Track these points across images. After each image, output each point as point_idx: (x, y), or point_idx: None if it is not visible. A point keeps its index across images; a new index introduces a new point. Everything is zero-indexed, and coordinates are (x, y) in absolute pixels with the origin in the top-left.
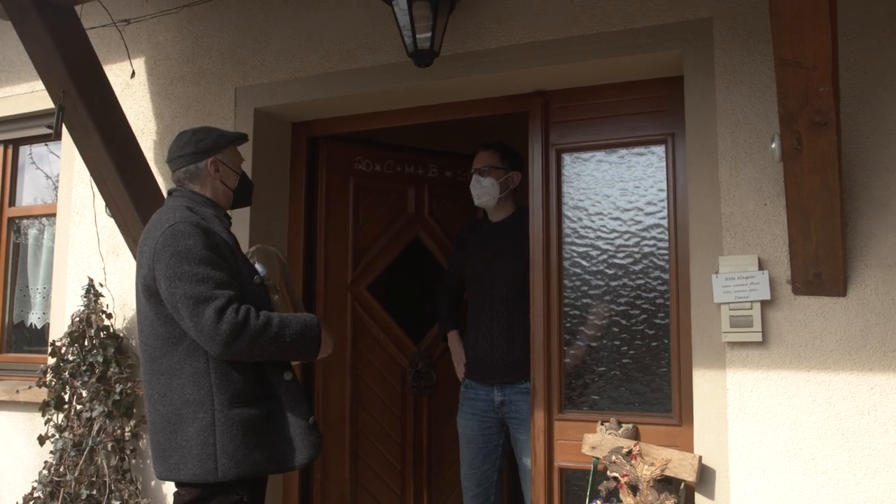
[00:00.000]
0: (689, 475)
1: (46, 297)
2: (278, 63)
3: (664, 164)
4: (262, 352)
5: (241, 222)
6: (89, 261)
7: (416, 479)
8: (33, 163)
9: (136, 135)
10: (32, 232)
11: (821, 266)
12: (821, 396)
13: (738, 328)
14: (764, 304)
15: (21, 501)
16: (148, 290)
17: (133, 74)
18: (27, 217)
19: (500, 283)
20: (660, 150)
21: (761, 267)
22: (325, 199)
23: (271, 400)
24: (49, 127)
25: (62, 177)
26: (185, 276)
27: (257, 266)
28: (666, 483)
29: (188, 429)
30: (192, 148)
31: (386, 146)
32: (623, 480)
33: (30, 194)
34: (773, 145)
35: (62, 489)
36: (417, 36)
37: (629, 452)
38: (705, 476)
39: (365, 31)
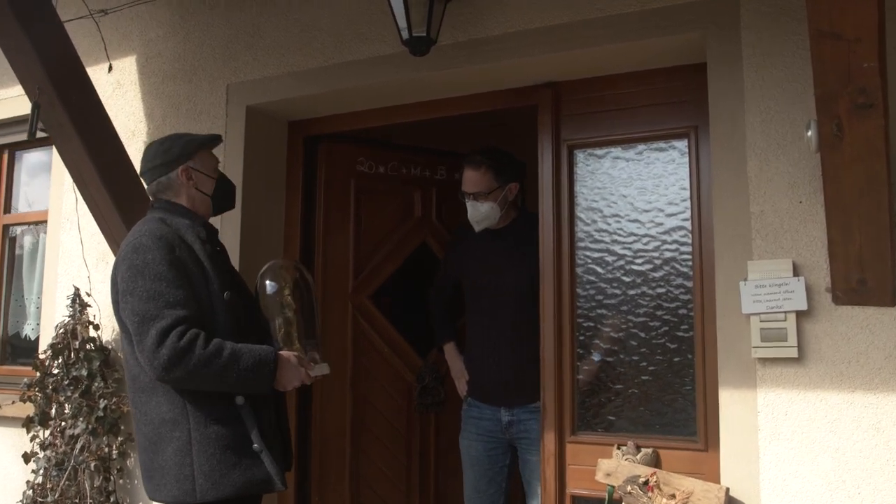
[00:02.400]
0: None
1: (41, 308)
2: (270, 57)
3: (687, 159)
4: (204, 383)
5: (231, 229)
6: (79, 269)
7: (423, 502)
8: (30, 168)
9: (127, 136)
10: (28, 240)
11: (865, 271)
12: (866, 421)
13: (771, 342)
14: (800, 315)
15: None
16: (117, 305)
17: (110, 69)
18: (22, 224)
19: (506, 295)
20: (682, 144)
21: (796, 273)
22: (324, 202)
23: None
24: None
25: (53, 182)
26: (137, 292)
27: (267, 283)
28: None
29: (167, 448)
30: (160, 159)
31: (390, 146)
32: None
33: (26, 201)
34: (809, 133)
35: None
36: (413, 22)
37: (646, 482)
38: None
39: (361, 20)
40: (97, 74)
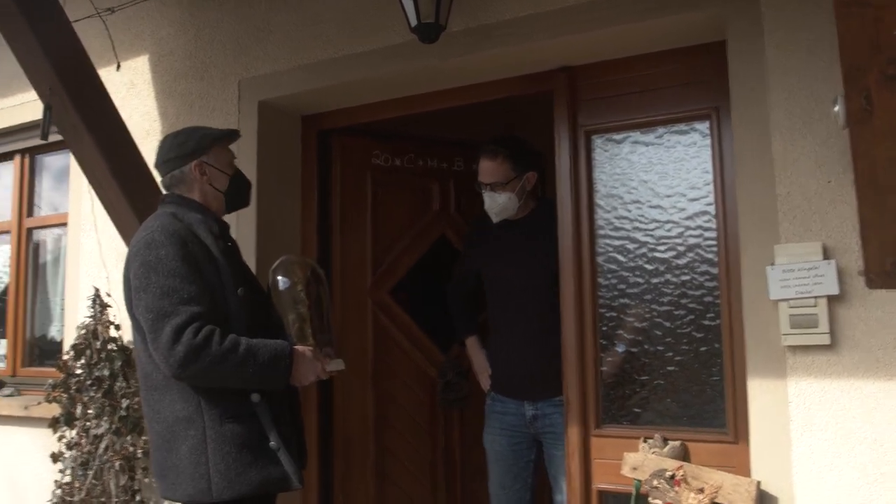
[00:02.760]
0: None
1: (65, 309)
2: (281, 51)
3: (709, 141)
4: (221, 380)
5: (247, 225)
6: (98, 270)
7: (450, 499)
8: (53, 172)
9: (142, 136)
10: (51, 242)
11: None
12: None
13: (801, 329)
14: (831, 299)
15: None
16: (130, 302)
17: (118, 67)
18: (45, 227)
19: (528, 287)
20: (703, 126)
21: (827, 256)
22: (340, 196)
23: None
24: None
25: (72, 183)
26: (150, 288)
27: (279, 279)
28: None
29: (181, 447)
30: (174, 152)
31: (406, 138)
32: None
33: (51, 204)
34: (837, 108)
35: None
36: (421, 9)
37: (672, 476)
38: None
39: (369, 9)
40: (111, 75)
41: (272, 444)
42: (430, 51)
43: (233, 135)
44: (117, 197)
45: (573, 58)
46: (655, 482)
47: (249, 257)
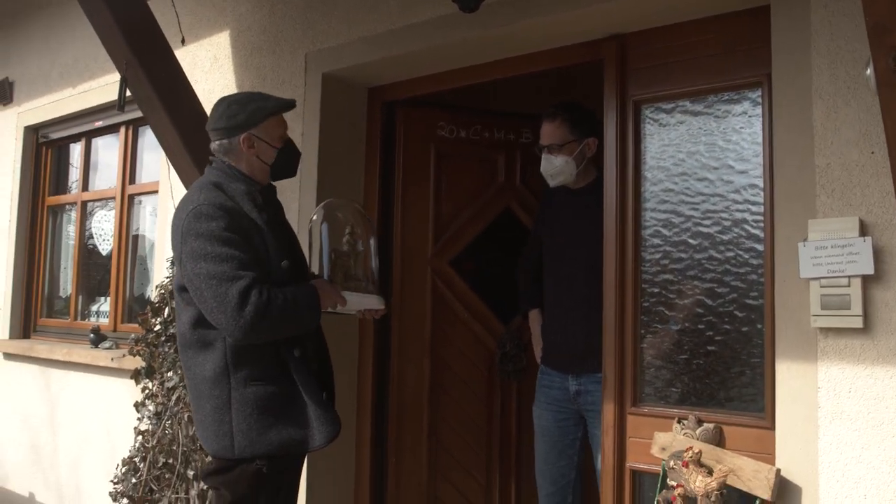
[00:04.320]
0: (763, 491)
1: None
2: (343, 24)
3: (760, 110)
4: (283, 331)
5: (309, 195)
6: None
7: (504, 469)
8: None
9: None
10: (149, 207)
11: None
12: None
13: (833, 310)
14: (866, 280)
15: (120, 464)
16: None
17: (183, 41)
18: (144, 193)
19: (580, 259)
20: (755, 94)
21: (864, 232)
22: (403, 168)
23: (288, 378)
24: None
25: (162, 153)
26: (209, 256)
27: (320, 219)
28: (746, 498)
29: (206, 405)
30: (223, 122)
31: (472, 110)
32: (676, 492)
33: (149, 172)
34: (868, 72)
35: (148, 456)
36: None
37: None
38: (788, 494)
39: None
40: (199, 50)
41: (324, 395)
42: (473, 20)
43: (288, 106)
44: (188, 165)
45: (623, 24)
46: (672, 463)
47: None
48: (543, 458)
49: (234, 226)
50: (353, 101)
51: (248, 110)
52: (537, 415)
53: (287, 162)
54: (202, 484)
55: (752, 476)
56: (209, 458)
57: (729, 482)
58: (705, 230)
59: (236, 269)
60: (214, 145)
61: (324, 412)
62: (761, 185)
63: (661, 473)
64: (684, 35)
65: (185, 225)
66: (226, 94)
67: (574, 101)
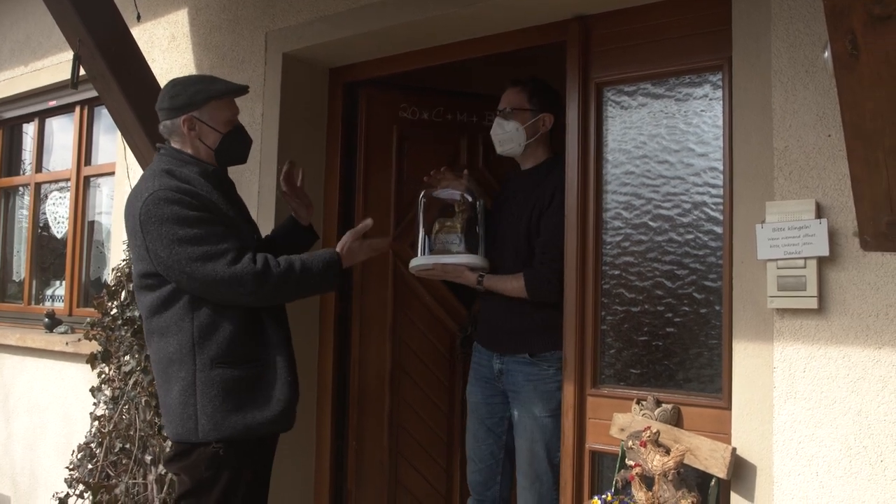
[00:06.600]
0: (719, 470)
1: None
2: (304, 3)
3: (721, 94)
4: (286, 297)
5: (270, 178)
6: None
7: (463, 449)
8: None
9: None
10: (106, 190)
11: None
12: (895, 381)
13: (788, 291)
14: (822, 261)
15: (76, 450)
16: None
17: (139, 18)
18: (99, 175)
19: (508, 241)
20: (716, 77)
21: (820, 215)
22: (365, 148)
23: (256, 362)
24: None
25: (118, 133)
26: (184, 239)
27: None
28: (703, 477)
29: (173, 388)
30: (166, 103)
31: (435, 91)
32: (634, 471)
33: (106, 153)
34: (826, 55)
35: (105, 441)
36: None
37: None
38: (743, 473)
39: None
40: (156, 28)
41: (290, 378)
42: (436, 0)
43: (236, 90)
44: (145, 145)
45: (586, 6)
46: (630, 443)
47: (270, 210)
48: (473, 435)
49: (196, 204)
50: (314, 81)
51: (190, 92)
52: (469, 391)
53: (235, 148)
54: (160, 469)
55: (709, 455)
56: (168, 444)
57: (686, 461)
58: (666, 213)
59: (216, 243)
60: (160, 126)
61: (292, 395)
62: (721, 167)
63: (620, 454)
64: (647, 17)
65: (144, 212)
66: (184, 74)
67: (543, 78)
